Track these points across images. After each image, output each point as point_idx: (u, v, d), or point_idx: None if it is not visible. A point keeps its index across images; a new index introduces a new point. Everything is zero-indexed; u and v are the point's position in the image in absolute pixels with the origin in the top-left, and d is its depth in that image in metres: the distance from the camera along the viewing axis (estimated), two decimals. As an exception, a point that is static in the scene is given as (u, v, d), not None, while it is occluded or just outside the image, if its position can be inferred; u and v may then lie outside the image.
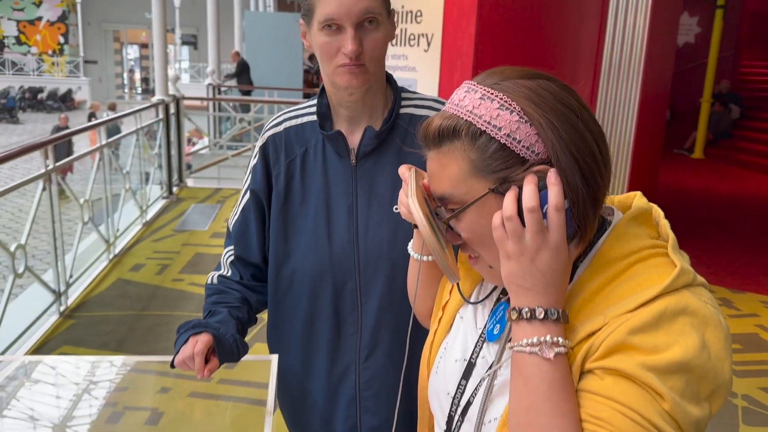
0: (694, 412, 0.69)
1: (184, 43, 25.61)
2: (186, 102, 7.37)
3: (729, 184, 9.00)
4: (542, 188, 0.73)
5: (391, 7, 1.24)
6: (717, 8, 10.43)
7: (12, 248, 3.46)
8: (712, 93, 11.00)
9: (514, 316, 0.75)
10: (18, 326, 3.56)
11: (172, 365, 1.18)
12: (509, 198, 0.74)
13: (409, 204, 0.84)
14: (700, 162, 10.75)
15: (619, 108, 5.11)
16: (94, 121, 6.43)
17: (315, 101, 1.32)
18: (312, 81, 14.50)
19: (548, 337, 0.73)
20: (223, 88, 11.86)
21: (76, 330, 3.79)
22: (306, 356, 1.36)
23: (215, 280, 1.38)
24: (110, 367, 1.96)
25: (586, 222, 0.76)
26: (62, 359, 2.35)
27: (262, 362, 1.41)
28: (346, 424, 1.36)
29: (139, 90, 29.25)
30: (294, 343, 1.37)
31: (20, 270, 3.50)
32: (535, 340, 0.73)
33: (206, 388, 3.03)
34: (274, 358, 1.36)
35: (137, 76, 29.72)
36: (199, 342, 1.16)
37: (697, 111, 11.01)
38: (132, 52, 29.23)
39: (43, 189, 3.80)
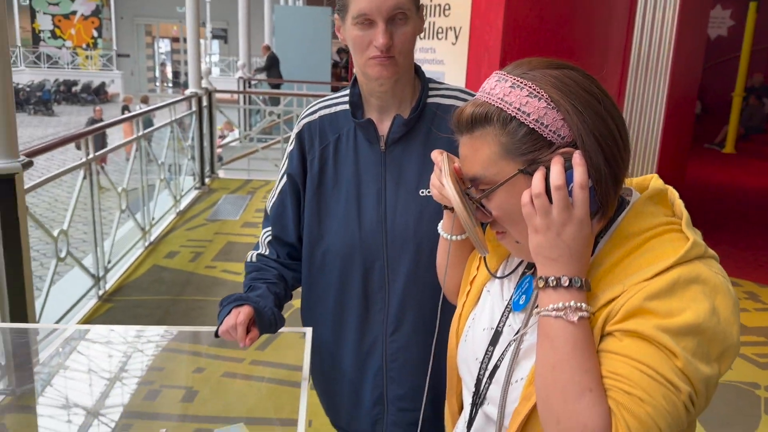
0: (705, 370, 0.76)
1: (214, 36, 25.90)
2: (217, 95, 7.52)
3: (760, 179, 8.87)
4: (568, 168, 0.81)
5: (420, 2, 1.32)
6: (751, 0, 10.25)
7: (55, 233, 3.62)
8: (745, 87, 10.82)
9: (541, 284, 0.83)
10: (60, 309, 3.72)
11: (217, 335, 1.28)
12: (538, 177, 0.81)
13: (444, 184, 0.92)
14: (731, 157, 10.59)
15: (647, 101, 5.11)
16: (127, 114, 6.60)
17: (348, 91, 1.40)
18: (340, 74, 14.59)
19: (572, 303, 0.80)
20: (253, 82, 12.00)
21: (114, 313, 3.95)
22: (337, 330, 1.44)
23: (254, 258, 1.48)
24: (154, 336, 2.07)
25: (607, 199, 0.84)
26: (110, 328, 2.48)
27: (294, 344, 1.49)
28: (374, 394, 1.44)
29: (171, 83, 29.65)
30: (326, 317, 1.45)
31: (62, 255, 3.66)
32: (560, 305, 0.80)
33: (239, 368, 3.15)
34: (308, 330, 1.45)
35: (168, 69, 30.12)
36: (241, 313, 1.26)
37: (729, 105, 10.84)
38: (163, 46, 29.61)
39: (84, 178, 3.95)
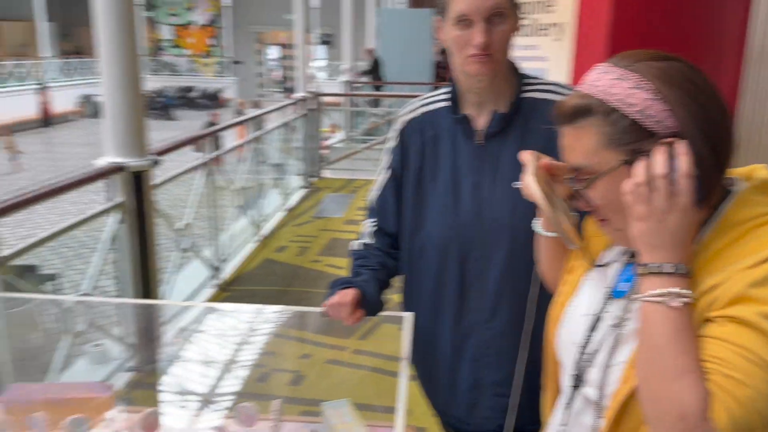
0: None
1: (320, 42, 26.60)
2: (324, 98, 7.80)
3: None
4: (671, 158, 0.83)
5: (516, 1, 1.37)
6: None
7: (179, 227, 3.93)
8: None
9: (643, 270, 0.85)
10: (181, 296, 4.03)
11: (325, 314, 1.39)
12: (641, 166, 0.84)
13: (528, 182, 0.97)
14: None
15: (766, 94, 4.82)
16: (241, 117, 7.00)
17: (446, 89, 1.47)
18: (441, 75, 14.60)
19: (674, 289, 0.82)
20: (356, 84, 12.25)
21: (231, 301, 4.22)
22: (434, 316, 1.51)
23: (360, 247, 1.57)
24: (266, 321, 2.21)
25: (711, 188, 0.86)
26: (231, 306, 2.67)
27: (393, 335, 1.55)
28: (470, 379, 1.49)
29: (279, 88, 30.73)
30: (424, 304, 1.51)
31: (186, 246, 3.97)
32: (662, 291, 0.82)
33: (342, 356, 3.30)
34: (409, 315, 1.52)
35: (277, 74, 31.22)
36: (348, 294, 1.37)
37: None
38: (272, 52, 30.73)
39: (208, 175, 4.25)
